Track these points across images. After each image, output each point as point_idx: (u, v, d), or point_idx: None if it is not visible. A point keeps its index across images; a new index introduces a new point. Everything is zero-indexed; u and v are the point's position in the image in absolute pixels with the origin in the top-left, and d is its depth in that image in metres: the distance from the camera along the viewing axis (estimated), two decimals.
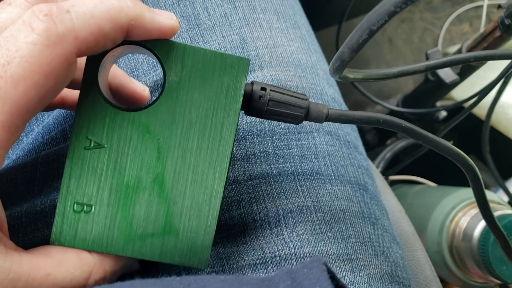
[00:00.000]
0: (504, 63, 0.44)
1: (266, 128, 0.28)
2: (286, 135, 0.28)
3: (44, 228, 0.24)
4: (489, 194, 0.54)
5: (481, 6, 1.05)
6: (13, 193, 0.27)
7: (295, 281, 0.17)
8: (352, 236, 0.27)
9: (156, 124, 0.21)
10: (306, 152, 0.28)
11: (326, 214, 0.27)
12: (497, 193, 0.67)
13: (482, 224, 0.49)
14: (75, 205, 0.20)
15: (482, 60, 0.27)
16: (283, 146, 0.28)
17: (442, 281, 0.49)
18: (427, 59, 0.57)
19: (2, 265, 0.17)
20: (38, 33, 0.17)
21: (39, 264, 0.18)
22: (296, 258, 0.25)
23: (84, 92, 0.20)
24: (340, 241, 0.26)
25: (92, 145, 0.20)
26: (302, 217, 0.26)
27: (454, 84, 0.60)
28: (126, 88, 0.25)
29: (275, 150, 0.28)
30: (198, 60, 0.21)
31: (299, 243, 0.25)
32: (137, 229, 0.21)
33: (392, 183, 0.74)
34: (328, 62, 0.29)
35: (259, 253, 0.25)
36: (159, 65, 0.26)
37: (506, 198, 0.61)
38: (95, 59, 0.20)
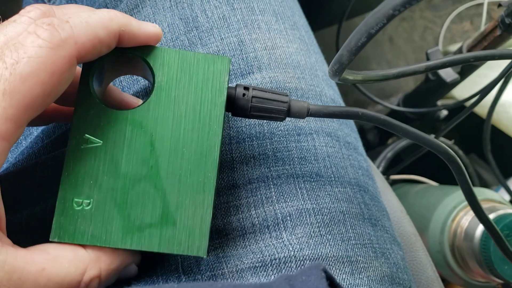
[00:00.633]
0: (505, 61, 0.43)
1: (265, 130, 0.28)
2: (285, 137, 0.28)
3: (44, 234, 0.24)
4: (491, 193, 0.54)
5: (481, 4, 1.04)
6: (13, 198, 0.27)
7: None
8: (352, 238, 0.27)
9: (148, 120, 0.22)
10: (305, 154, 0.28)
11: (326, 216, 0.27)
12: (499, 192, 0.67)
13: None
14: (74, 201, 0.21)
15: (482, 60, 0.27)
16: (283, 148, 0.28)
17: (444, 280, 0.49)
18: (427, 58, 0.57)
19: None
20: (43, 38, 0.19)
21: (34, 259, 0.19)
22: (296, 261, 0.25)
23: (80, 95, 0.22)
24: (340, 244, 0.26)
25: (88, 142, 0.22)
26: (301, 220, 0.26)
27: (455, 83, 0.60)
28: (121, 98, 0.27)
29: (275, 152, 0.27)
30: (182, 61, 0.23)
31: (298, 246, 0.25)
32: (135, 220, 0.21)
33: (393, 183, 0.73)
34: (328, 62, 0.29)
35: (258, 256, 0.25)
36: (141, 79, 0.29)
37: (507, 197, 0.61)
38: (89, 65, 0.22)
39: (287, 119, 0.29)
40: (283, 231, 0.26)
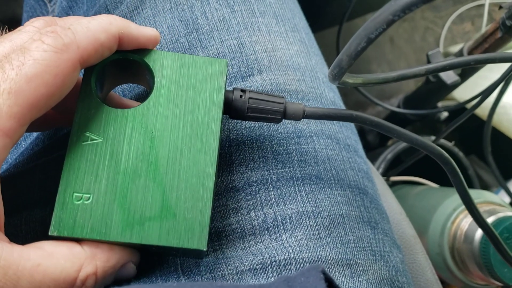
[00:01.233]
0: (506, 64, 0.43)
1: (265, 133, 0.28)
2: (285, 140, 0.28)
3: (44, 236, 0.24)
4: (490, 196, 0.54)
5: (482, 5, 1.04)
6: (13, 200, 0.27)
7: None
8: (352, 241, 0.27)
9: (148, 117, 0.23)
10: (305, 157, 0.28)
11: (325, 219, 0.27)
12: (499, 193, 0.67)
13: None
14: (74, 195, 0.21)
15: (483, 63, 0.27)
16: (282, 151, 0.28)
17: (443, 283, 0.49)
18: (428, 60, 0.57)
19: None
20: (47, 43, 0.20)
21: (30, 255, 0.19)
22: (296, 263, 0.25)
23: (82, 94, 0.23)
24: (339, 246, 0.26)
25: (89, 139, 0.22)
26: (301, 223, 0.26)
27: (455, 85, 0.60)
28: (121, 103, 0.28)
29: (274, 155, 0.27)
30: (181, 63, 0.24)
31: (298, 248, 0.25)
32: (135, 214, 0.22)
33: (393, 184, 0.73)
34: (329, 64, 0.29)
35: (258, 258, 0.25)
36: (137, 86, 0.30)
37: (507, 199, 0.61)
38: (91, 68, 0.23)
39: (287, 122, 0.29)
40: (283, 233, 0.26)
